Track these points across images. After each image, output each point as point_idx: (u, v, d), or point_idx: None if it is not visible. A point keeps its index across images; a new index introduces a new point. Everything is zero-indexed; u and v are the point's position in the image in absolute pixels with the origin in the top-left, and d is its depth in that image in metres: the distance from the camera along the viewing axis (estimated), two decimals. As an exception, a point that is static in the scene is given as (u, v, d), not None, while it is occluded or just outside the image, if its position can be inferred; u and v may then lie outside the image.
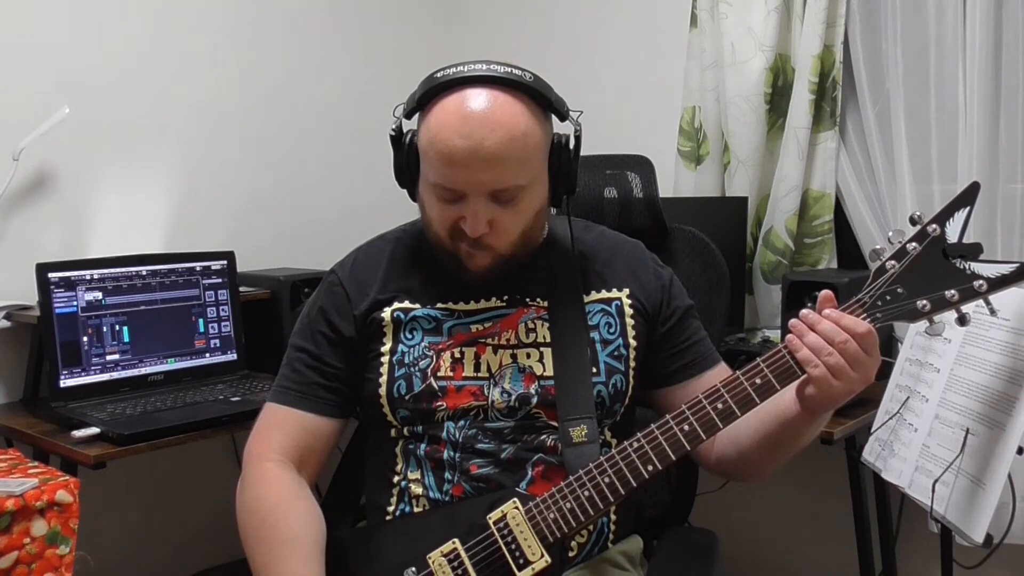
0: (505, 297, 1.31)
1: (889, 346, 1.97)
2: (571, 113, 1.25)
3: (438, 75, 1.21)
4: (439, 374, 1.27)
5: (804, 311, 1.14)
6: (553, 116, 1.26)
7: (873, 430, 1.53)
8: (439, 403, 1.26)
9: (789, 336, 1.14)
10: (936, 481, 1.30)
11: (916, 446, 1.39)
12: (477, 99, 1.18)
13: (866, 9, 2.13)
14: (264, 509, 1.24)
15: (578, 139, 1.26)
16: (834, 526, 2.20)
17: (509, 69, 1.20)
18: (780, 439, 1.22)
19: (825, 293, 1.15)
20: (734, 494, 2.03)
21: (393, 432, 1.30)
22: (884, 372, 1.66)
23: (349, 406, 1.35)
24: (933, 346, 1.44)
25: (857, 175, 2.19)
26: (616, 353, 1.31)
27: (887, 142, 2.11)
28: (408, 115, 1.26)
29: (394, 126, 1.27)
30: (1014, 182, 1.96)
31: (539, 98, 1.21)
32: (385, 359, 1.29)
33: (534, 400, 1.26)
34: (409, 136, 1.26)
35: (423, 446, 1.27)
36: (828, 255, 2.21)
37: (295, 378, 1.32)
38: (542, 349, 1.29)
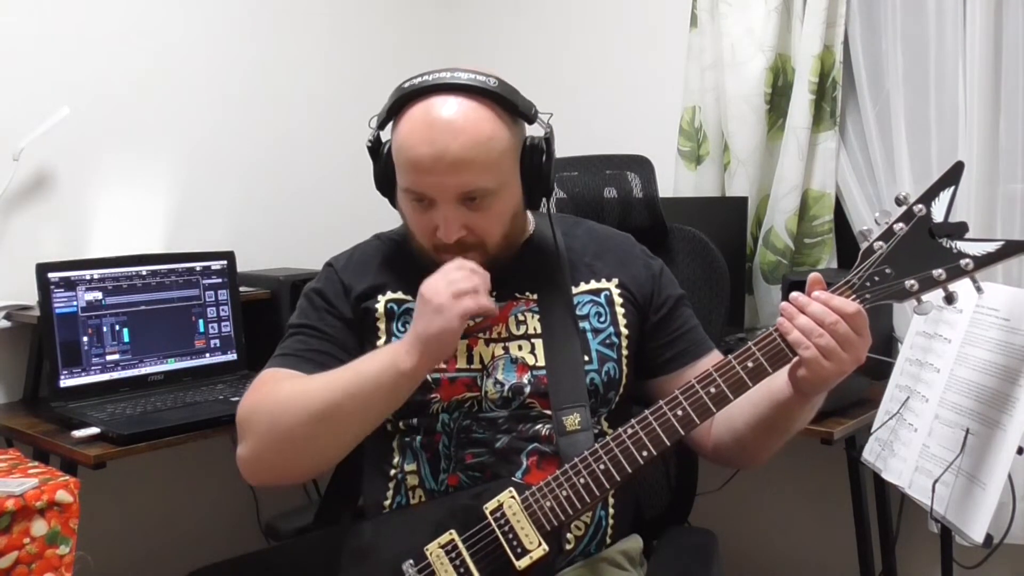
0: (494, 292, 1.32)
1: (889, 346, 1.97)
2: (540, 116, 1.27)
3: (405, 85, 1.23)
4: None
5: (794, 294, 1.15)
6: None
7: (873, 430, 1.53)
8: (433, 395, 1.27)
9: (780, 319, 1.15)
10: (936, 481, 1.30)
11: (916, 446, 1.39)
12: (442, 107, 1.20)
13: (866, 9, 2.13)
14: (283, 388, 1.23)
15: (548, 141, 1.27)
16: (834, 526, 2.19)
17: (473, 76, 1.21)
18: (774, 422, 1.23)
19: (814, 276, 1.16)
20: (734, 494, 2.03)
21: (388, 426, 1.31)
22: (884, 372, 1.66)
23: None
24: (933, 346, 1.44)
25: (857, 175, 2.19)
26: (608, 341, 1.32)
27: (887, 142, 2.11)
28: (381, 125, 1.28)
29: (370, 137, 1.29)
30: (1014, 182, 1.96)
31: (504, 103, 1.22)
32: None
33: (527, 390, 1.27)
34: (386, 147, 1.29)
35: (419, 438, 1.28)
36: (828, 255, 2.21)
37: (295, 345, 1.32)
38: (533, 340, 1.30)
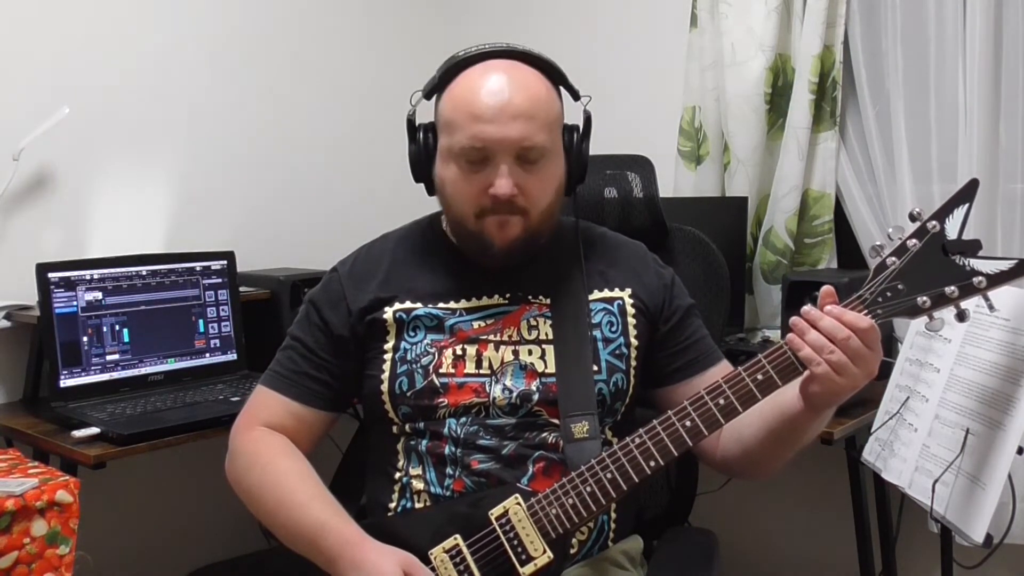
0: (507, 295, 1.32)
1: (889, 346, 1.97)
2: (582, 97, 1.31)
3: (459, 54, 1.27)
4: (441, 371, 1.27)
5: (805, 308, 1.14)
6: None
7: (873, 430, 1.53)
8: (440, 399, 1.27)
9: (790, 335, 1.14)
10: (936, 481, 1.30)
11: (916, 446, 1.39)
12: (500, 66, 1.25)
13: (866, 9, 2.13)
14: (263, 460, 1.28)
15: (588, 120, 1.32)
16: (834, 526, 2.19)
17: (527, 48, 1.27)
18: (783, 435, 1.22)
19: (826, 288, 1.16)
20: (734, 494, 2.03)
21: (395, 428, 1.31)
22: (884, 372, 1.66)
23: (337, 400, 1.36)
24: (933, 346, 1.44)
25: (857, 175, 2.19)
26: (617, 352, 1.31)
27: (887, 142, 2.11)
28: (428, 95, 1.30)
29: (411, 112, 1.30)
30: (1014, 182, 1.96)
31: (555, 75, 1.28)
32: (388, 356, 1.30)
33: (535, 397, 1.27)
34: (423, 128, 1.30)
35: (424, 442, 1.28)
36: (828, 255, 2.21)
37: (287, 365, 1.35)
38: (544, 346, 1.29)
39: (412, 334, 1.30)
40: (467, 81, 1.24)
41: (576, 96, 1.32)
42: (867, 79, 2.12)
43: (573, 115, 1.33)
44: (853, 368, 1.11)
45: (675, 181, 2.34)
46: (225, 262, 2.13)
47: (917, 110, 2.05)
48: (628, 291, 1.35)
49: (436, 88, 1.28)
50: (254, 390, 1.38)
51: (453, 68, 1.26)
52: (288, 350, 1.36)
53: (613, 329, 1.32)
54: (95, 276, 1.92)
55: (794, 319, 1.15)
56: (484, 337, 1.29)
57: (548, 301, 1.32)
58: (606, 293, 1.35)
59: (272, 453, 1.29)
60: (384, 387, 1.29)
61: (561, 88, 1.31)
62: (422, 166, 1.31)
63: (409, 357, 1.29)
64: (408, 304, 1.31)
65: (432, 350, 1.28)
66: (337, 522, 1.19)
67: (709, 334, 1.40)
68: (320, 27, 2.60)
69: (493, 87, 1.22)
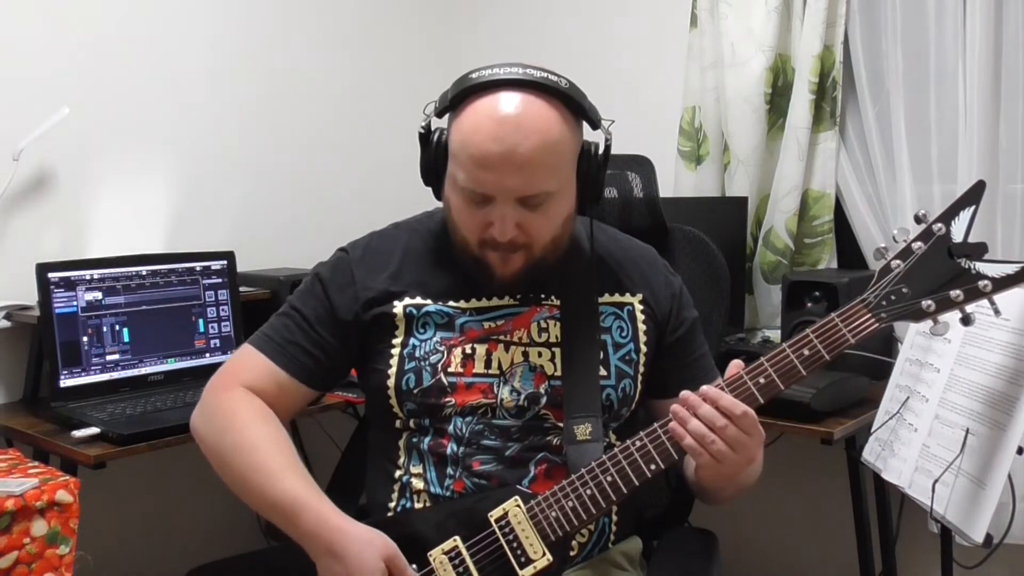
0: (519, 295, 1.31)
1: (889, 346, 1.97)
2: (603, 122, 1.25)
3: (473, 75, 1.20)
4: (449, 369, 1.27)
5: (684, 394, 1.14)
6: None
7: (873, 430, 1.53)
8: (447, 399, 1.26)
9: (672, 424, 1.14)
10: (936, 481, 1.30)
11: (916, 446, 1.39)
12: (512, 103, 1.17)
13: (866, 9, 2.13)
14: (240, 422, 1.24)
15: (608, 147, 1.26)
16: (834, 526, 2.19)
17: (545, 75, 1.19)
18: (706, 487, 1.27)
19: (734, 363, 1.16)
20: (734, 494, 2.03)
21: (398, 424, 1.31)
22: (884, 372, 1.66)
23: (323, 378, 1.33)
24: (933, 346, 1.44)
25: (857, 175, 2.19)
26: (627, 357, 1.31)
27: (887, 142, 2.11)
28: (439, 114, 1.25)
29: (423, 124, 1.26)
30: (1014, 182, 1.97)
31: (573, 105, 1.21)
32: (396, 351, 1.29)
33: (543, 400, 1.26)
34: (437, 135, 1.26)
35: (427, 440, 1.27)
36: (828, 255, 2.21)
37: (281, 331, 1.32)
38: (554, 349, 1.29)
39: (422, 331, 1.29)
40: (475, 116, 1.18)
41: (595, 125, 1.25)
42: (867, 79, 2.13)
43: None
44: (732, 455, 1.11)
45: (675, 181, 2.34)
46: (225, 262, 2.13)
47: (917, 110, 2.05)
48: (639, 297, 1.35)
49: (447, 109, 1.23)
50: (239, 348, 1.34)
51: (463, 93, 1.20)
52: (285, 317, 1.33)
53: (623, 334, 1.32)
54: (95, 276, 1.92)
55: (674, 407, 1.14)
56: (494, 337, 1.28)
57: (559, 303, 1.31)
58: (616, 297, 1.34)
59: (250, 416, 1.25)
60: (391, 382, 1.28)
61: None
62: (431, 175, 1.28)
63: (418, 354, 1.28)
64: (419, 300, 1.30)
65: (441, 348, 1.28)
66: (311, 498, 1.17)
67: (709, 351, 1.40)
68: (320, 27, 2.60)
69: (499, 131, 1.15)
